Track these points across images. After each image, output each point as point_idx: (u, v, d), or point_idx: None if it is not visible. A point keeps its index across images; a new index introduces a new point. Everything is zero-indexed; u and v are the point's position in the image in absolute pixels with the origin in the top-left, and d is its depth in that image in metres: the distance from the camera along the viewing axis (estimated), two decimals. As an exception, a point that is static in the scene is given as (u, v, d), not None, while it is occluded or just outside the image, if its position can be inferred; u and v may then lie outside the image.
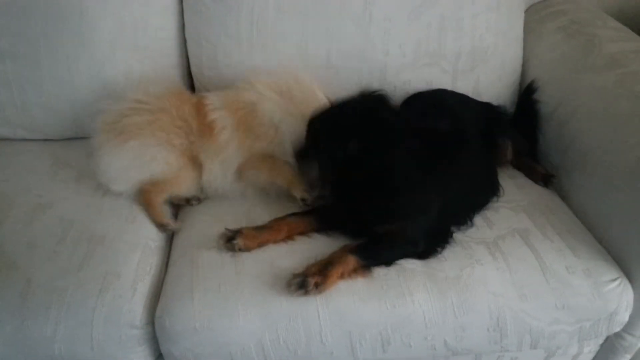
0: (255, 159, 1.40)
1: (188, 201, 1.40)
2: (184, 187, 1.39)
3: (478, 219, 1.37)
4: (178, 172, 1.37)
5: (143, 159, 1.35)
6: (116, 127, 1.36)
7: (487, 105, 1.61)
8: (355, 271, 1.20)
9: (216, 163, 1.40)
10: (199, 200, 1.41)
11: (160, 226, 1.34)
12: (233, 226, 1.27)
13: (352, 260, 1.20)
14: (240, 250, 1.23)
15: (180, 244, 1.31)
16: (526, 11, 1.71)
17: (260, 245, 1.25)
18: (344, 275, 1.19)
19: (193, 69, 1.62)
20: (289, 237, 1.28)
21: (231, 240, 1.23)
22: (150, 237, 1.31)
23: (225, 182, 1.41)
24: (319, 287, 1.15)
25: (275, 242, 1.27)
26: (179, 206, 1.44)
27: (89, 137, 1.46)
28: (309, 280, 1.15)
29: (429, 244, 1.26)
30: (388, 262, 1.23)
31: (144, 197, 1.36)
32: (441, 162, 1.30)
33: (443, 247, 1.27)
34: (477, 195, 1.42)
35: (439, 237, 1.29)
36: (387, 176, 1.23)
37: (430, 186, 1.27)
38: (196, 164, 1.40)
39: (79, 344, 1.14)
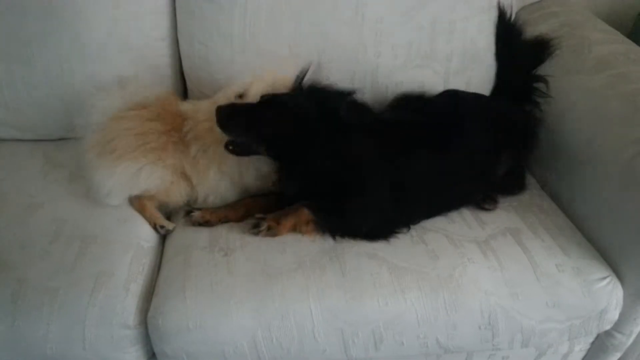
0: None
1: (155, 227, 1.37)
2: (176, 197, 1.39)
3: (469, 218, 1.38)
4: (170, 186, 1.37)
5: (137, 179, 1.34)
6: (108, 146, 1.33)
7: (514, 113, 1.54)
8: (307, 224, 1.29)
9: (195, 177, 1.40)
10: (167, 231, 1.36)
11: (156, 227, 1.34)
12: (224, 227, 1.31)
13: (305, 213, 1.28)
14: (199, 224, 1.32)
15: (173, 244, 1.31)
16: (517, 13, 1.72)
17: (220, 220, 1.34)
18: (296, 226, 1.29)
19: (185, 69, 1.62)
20: (248, 214, 1.35)
21: (189, 213, 1.33)
22: (142, 237, 1.31)
23: (218, 191, 1.40)
24: (271, 230, 1.27)
25: (236, 219, 1.35)
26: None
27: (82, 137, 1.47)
28: (262, 222, 1.27)
29: (378, 228, 1.30)
30: (335, 227, 1.29)
31: (138, 203, 1.37)
32: (401, 155, 1.31)
33: (391, 235, 1.30)
34: (459, 190, 1.40)
35: (392, 224, 1.31)
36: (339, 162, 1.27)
37: (381, 175, 1.29)
38: (186, 175, 1.40)
39: (71, 344, 1.14)
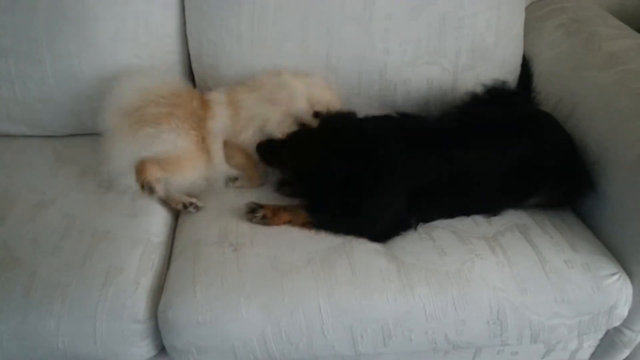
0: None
1: (185, 207, 1.39)
2: (186, 172, 1.38)
3: (477, 215, 1.37)
4: (183, 156, 1.38)
5: (154, 142, 1.35)
6: (134, 115, 1.37)
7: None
8: (304, 225, 1.31)
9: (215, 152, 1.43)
10: (196, 207, 1.38)
11: (144, 186, 1.32)
12: (234, 222, 1.32)
13: (302, 215, 1.31)
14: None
15: (182, 239, 1.32)
16: (526, 9, 1.71)
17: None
18: (292, 222, 1.31)
19: (194, 65, 1.62)
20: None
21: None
22: (152, 233, 1.31)
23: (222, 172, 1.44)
24: (265, 219, 1.30)
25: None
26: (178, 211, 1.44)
27: (91, 134, 1.47)
28: (260, 210, 1.31)
29: (389, 229, 1.30)
30: (338, 230, 1.30)
31: (139, 165, 1.34)
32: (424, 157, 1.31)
33: (400, 234, 1.31)
34: (477, 196, 1.37)
35: (402, 224, 1.32)
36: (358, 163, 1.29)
37: (400, 177, 1.29)
38: (204, 157, 1.42)
39: (82, 338, 1.15)
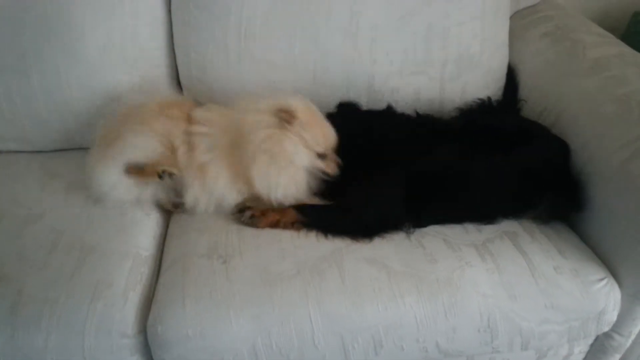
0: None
1: (177, 206, 1.39)
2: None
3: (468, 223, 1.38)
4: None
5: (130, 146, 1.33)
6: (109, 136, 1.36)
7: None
8: (293, 225, 1.31)
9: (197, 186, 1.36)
10: (170, 174, 1.32)
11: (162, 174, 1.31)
12: (223, 234, 1.31)
13: (291, 213, 1.31)
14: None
15: (171, 252, 1.31)
16: (511, 17, 1.74)
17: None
18: (280, 223, 1.31)
19: (182, 79, 1.62)
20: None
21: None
22: (141, 246, 1.31)
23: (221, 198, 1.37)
24: (252, 219, 1.31)
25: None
26: (170, 213, 1.44)
27: (79, 148, 1.46)
28: (248, 211, 1.31)
29: (378, 224, 1.31)
30: (326, 226, 1.30)
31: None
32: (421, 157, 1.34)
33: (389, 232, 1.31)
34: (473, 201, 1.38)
35: (393, 222, 1.32)
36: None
37: (395, 176, 1.31)
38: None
39: (70, 354, 1.13)
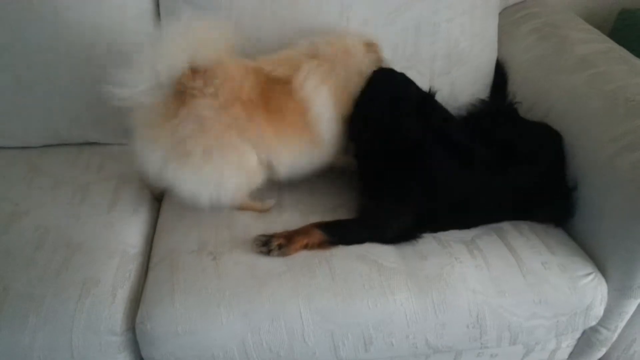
0: None
1: None
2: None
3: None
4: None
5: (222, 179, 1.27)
6: (181, 147, 1.21)
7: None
8: (320, 245, 1.25)
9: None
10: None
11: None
12: (213, 230, 1.30)
13: (317, 234, 1.26)
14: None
15: (160, 248, 1.30)
16: (500, 14, 1.75)
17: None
18: (308, 245, 1.25)
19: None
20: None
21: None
22: (128, 243, 1.30)
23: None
24: (282, 249, 1.22)
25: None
26: (158, 209, 1.43)
27: (66, 144, 1.43)
28: (273, 240, 1.22)
29: (401, 234, 1.30)
30: (353, 242, 1.28)
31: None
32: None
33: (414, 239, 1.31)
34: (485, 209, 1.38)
35: (412, 235, 1.31)
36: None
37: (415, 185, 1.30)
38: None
39: (58, 352, 1.12)
